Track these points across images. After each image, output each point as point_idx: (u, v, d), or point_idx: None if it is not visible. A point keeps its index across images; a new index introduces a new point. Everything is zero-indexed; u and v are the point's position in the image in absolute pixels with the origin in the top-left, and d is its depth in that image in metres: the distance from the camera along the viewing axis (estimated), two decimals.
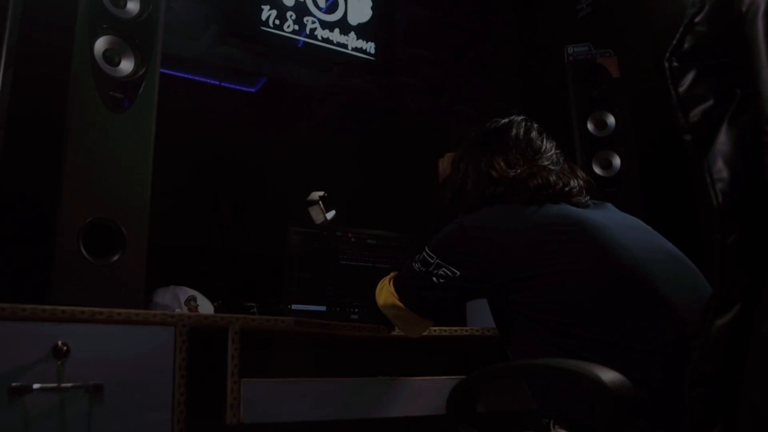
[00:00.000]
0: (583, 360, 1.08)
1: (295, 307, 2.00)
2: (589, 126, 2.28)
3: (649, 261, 1.15)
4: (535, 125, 1.40)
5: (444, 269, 1.26)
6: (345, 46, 2.79)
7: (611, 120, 2.27)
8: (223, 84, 2.97)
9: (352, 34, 2.83)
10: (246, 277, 2.62)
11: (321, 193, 3.07)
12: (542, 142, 1.38)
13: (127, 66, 1.41)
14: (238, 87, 2.94)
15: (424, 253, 1.31)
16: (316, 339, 1.54)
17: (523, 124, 1.39)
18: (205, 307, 1.70)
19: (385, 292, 1.35)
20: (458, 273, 1.24)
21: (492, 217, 1.27)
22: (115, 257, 1.29)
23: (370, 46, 2.86)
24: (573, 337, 1.12)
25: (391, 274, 1.40)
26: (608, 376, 0.87)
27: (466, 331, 1.62)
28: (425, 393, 1.42)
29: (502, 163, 1.31)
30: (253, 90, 2.98)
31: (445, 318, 1.49)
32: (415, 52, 3.06)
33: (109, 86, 1.35)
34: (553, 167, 1.32)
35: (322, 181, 2.94)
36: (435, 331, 1.58)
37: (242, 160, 2.89)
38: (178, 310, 1.54)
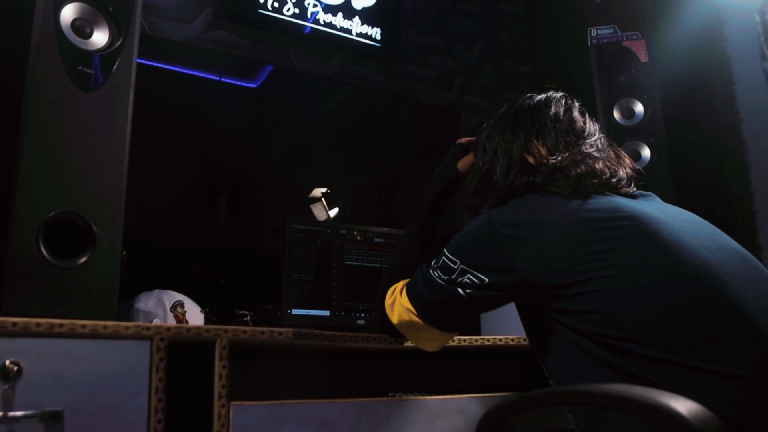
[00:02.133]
0: (643, 384, 0.90)
1: (295, 311, 1.82)
2: (615, 115, 2.09)
3: (718, 264, 0.96)
4: (577, 103, 1.21)
5: (469, 276, 1.07)
6: (349, 31, 2.61)
7: (639, 108, 2.08)
8: (223, 79, 2.85)
9: (357, 19, 2.64)
10: (243, 280, 2.45)
11: (324, 190, 2.92)
12: (585, 123, 1.19)
13: (99, 38, 1.22)
14: (238, 82, 2.83)
15: (443, 257, 1.12)
16: (318, 351, 1.35)
17: (563, 101, 1.20)
18: (195, 313, 1.51)
19: (399, 308, 1.16)
20: (486, 280, 1.05)
21: (526, 212, 1.07)
22: (83, 258, 1.10)
23: (376, 32, 2.67)
24: (629, 354, 0.93)
25: (402, 283, 1.21)
26: (689, 408, 0.67)
27: (488, 341, 1.44)
28: (445, 415, 1.23)
29: (541, 148, 1.12)
30: (253, 86, 2.86)
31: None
32: (423, 40, 2.87)
33: (78, 60, 1.17)
34: (598, 154, 1.13)
35: (325, 177, 2.79)
36: (453, 341, 1.39)
37: (241, 156, 2.75)
38: (156, 321, 1.35)
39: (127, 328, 0.99)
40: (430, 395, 1.36)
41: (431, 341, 1.19)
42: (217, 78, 2.82)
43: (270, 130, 2.81)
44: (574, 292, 0.98)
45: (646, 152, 2.05)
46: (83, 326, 0.96)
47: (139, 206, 2.43)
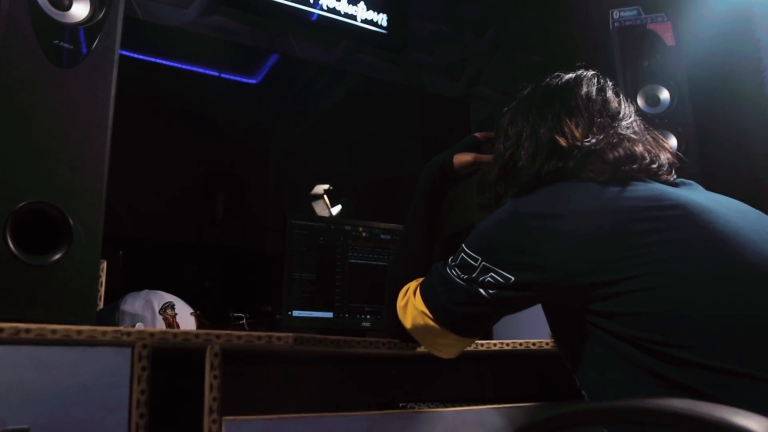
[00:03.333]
0: (696, 396, 0.78)
1: (296, 313, 1.70)
2: (639, 102, 1.97)
3: None
4: (610, 83, 1.09)
5: (492, 274, 0.94)
6: (353, 17, 2.48)
7: (665, 95, 1.96)
8: (223, 75, 2.77)
9: (362, 5, 2.51)
10: (241, 280, 2.34)
11: (326, 187, 2.81)
12: (620, 104, 1.07)
13: (80, 10, 1.09)
14: (238, 78, 2.76)
15: (462, 254, 0.99)
16: (321, 358, 1.23)
17: (596, 80, 1.08)
18: (187, 316, 1.39)
19: (413, 311, 1.04)
20: (512, 279, 0.93)
21: (557, 201, 0.95)
22: (57, 255, 0.97)
23: (382, 19, 2.54)
24: (680, 362, 0.81)
25: (416, 283, 1.08)
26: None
27: (502, 345, 1.31)
28: (464, 429, 1.10)
29: (574, 129, 1.00)
30: (254, 82, 2.79)
31: None
32: (432, 27, 2.75)
33: (55, 34, 1.04)
34: (636, 137, 1.01)
35: (328, 173, 2.69)
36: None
37: (240, 152, 2.66)
38: (139, 325, 1.22)
39: (104, 333, 0.86)
40: (445, 406, 1.23)
41: (448, 347, 1.06)
42: (217, 74, 2.74)
43: (271, 126, 2.73)
44: (614, 292, 0.87)
45: (672, 142, 1.92)
46: (54, 331, 0.84)
47: (133, 204, 2.34)
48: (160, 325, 1.31)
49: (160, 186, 2.44)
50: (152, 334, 0.89)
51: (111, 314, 1.30)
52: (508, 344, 1.35)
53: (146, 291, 1.38)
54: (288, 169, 2.71)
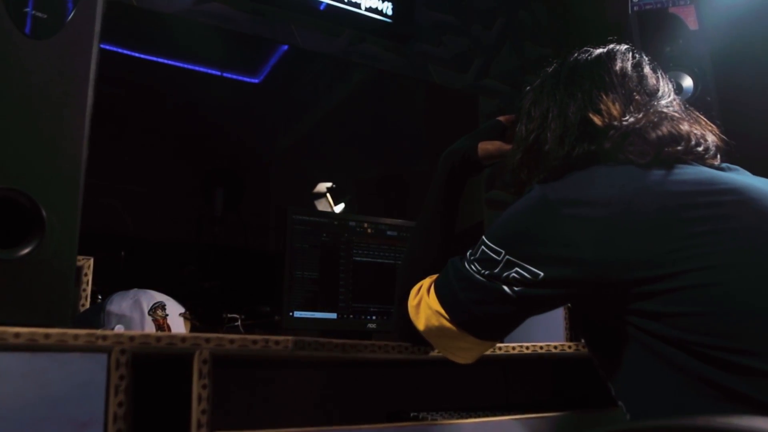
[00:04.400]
0: (762, 410, 0.67)
1: (297, 314, 1.59)
2: None
3: None
4: (646, 58, 0.98)
5: (518, 269, 0.83)
6: (357, 5, 2.37)
7: (688, 82, 1.83)
8: (224, 75, 2.70)
9: None
10: (239, 280, 2.24)
11: (329, 185, 2.71)
12: (658, 81, 0.96)
13: None
14: (240, 77, 2.70)
15: (482, 247, 0.88)
16: (324, 363, 1.12)
17: (630, 55, 0.97)
18: (178, 318, 1.28)
19: (427, 311, 0.92)
20: (541, 274, 0.82)
21: (593, 186, 0.84)
22: (28, 248, 0.86)
23: (387, 7, 2.43)
24: (744, 371, 0.70)
25: (430, 280, 0.97)
26: None
27: (513, 349, 1.20)
28: None
29: (611, 106, 0.89)
30: (256, 81, 2.72)
31: None
32: (438, 17, 2.64)
33: (27, 1, 0.93)
34: (678, 115, 0.90)
35: (331, 171, 2.60)
36: None
37: (242, 150, 2.57)
38: (119, 328, 1.11)
39: (76, 337, 0.75)
40: (459, 416, 1.12)
41: (466, 352, 0.95)
42: (219, 73, 2.67)
43: (273, 125, 2.66)
44: (661, 289, 0.76)
45: None
46: (17, 335, 0.73)
47: (129, 201, 2.25)
48: (149, 327, 1.20)
49: (158, 184, 2.35)
50: (132, 338, 0.78)
51: (95, 315, 1.19)
52: (527, 347, 1.24)
53: (135, 290, 1.27)
54: (290, 167, 2.63)
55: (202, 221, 2.46)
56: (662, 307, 0.76)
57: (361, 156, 2.76)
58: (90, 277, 1.33)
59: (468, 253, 0.92)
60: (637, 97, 0.92)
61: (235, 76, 2.73)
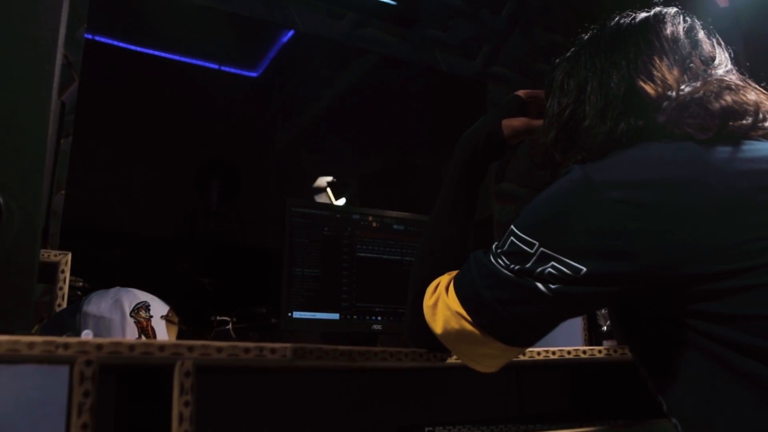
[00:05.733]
0: None
1: (297, 314, 1.47)
2: None
3: None
4: (699, 21, 0.86)
5: (555, 264, 0.71)
6: None
7: None
8: (222, 68, 2.61)
9: None
10: (234, 278, 2.12)
11: (329, 179, 2.59)
12: (714, 47, 0.83)
13: None
14: (238, 71, 2.61)
15: (511, 237, 0.76)
16: (327, 369, 0.99)
17: (681, 18, 0.85)
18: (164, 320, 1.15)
19: (445, 312, 0.80)
20: (583, 269, 0.69)
21: (647, 166, 0.72)
22: None
23: None
24: None
25: (448, 277, 0.85)
26: None
27: (539, 354, 1.07)
28: None
29: (666, 73, 0.76)
30: (255, 75, 2.64)
31: None
32: (445, 1, 2.51)
33: None
34: (742, 84, 0.77)
35: (332, 164, 2.49)
36: None
37: (240, 143, 2.46)
38: (86, 333, 0.98)
39: (31, 345, 0.62)
40: (477, 427, 1.00)
41: (490, 359, 0.83)
42: (217, 67, 2.59)
43: (272, 118, 2.56)
44: (730, 287, 0.63)
45: None
46: None
47: (123, 196, 2.14)
48: (131, 331, 1.07)
49: (151, 178, 2.24)
50: (99, 347, 0.65)
51: (71, 317, 1.06)
52: (539, 353, 1.11)
53: (116, 289, 1.14)
54: (290, 162, 2.52)
55: (196, 215, 2.34)
56: (733, 309, 0.63)
57: (363, 149, 2.65)
58: (67, 274, 1.20)
59: (494, 246, 0.79)
60: (692, 65, 0.79)
61: (233, 70, 2.65)
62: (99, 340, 0.66)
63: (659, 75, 0.76)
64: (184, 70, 2.34)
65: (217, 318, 0.93)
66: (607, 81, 0.81)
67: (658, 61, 0.77)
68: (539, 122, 0.96)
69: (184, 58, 2.34)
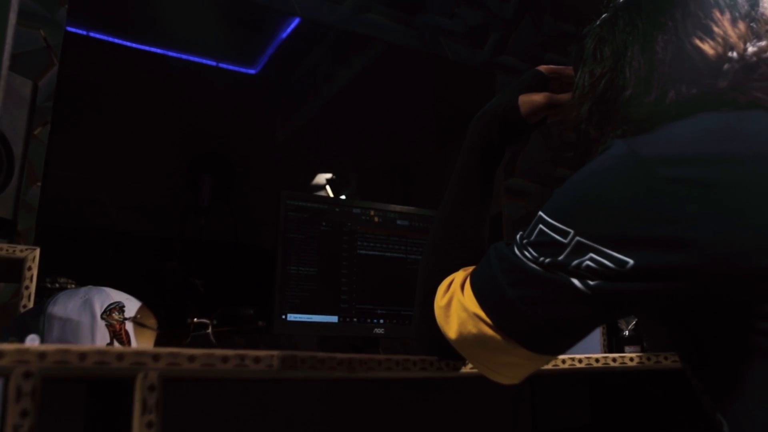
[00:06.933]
0: None
1: (291, 317, 1.35)
2: None
3: None
4: None
5: (594, 256, 0.59)
6: None
7: None
8: (220, 65, 2.53)
9: None
10: (227, 279, 2.00)
11: (329, 176, 2.49)
12: None
13: None
14: (236, 68, 2.55)
15: (540, 225, 0.64)
16: (320, 380, 0.87)
17: None
18: (150, 324, 1.03)
19: (461, 314, 0.68)
20: (630, 262, 0.57)
21: (707, 138, 0.60)
22: None
23: None
24: None
25: (463, 274, 0.73)
26: None
27: (568, 363, 0.95)
28: None
29: (729, 30, 0.64)
30: (253, 72, 2.57)
31: None
32: None
33: None
34: None
35: (332, 161, 2.40)
36: None
37: (238, 140, 2.37)
38: (31, 339, 0.86)
39: None
40: None
41: (512, 369, 0.70)
42: (215, 63, 2.52)
43: (271, 116, 2.48)
44: None
45: None
46: None
47: (107, 193, 2.04)
48: (102, 335, 0.95)
49: (142, 174, 2.15)
50: (43, 355, 0.53)
51: (33, 320, 0.94)
52: (563, 361, 0.98)
53: (87, 288, 1.02)
54: (289, 158, 2.43)
55: (187, 212, 2.22)
56: None
57: (365, 144, 2.55)
58: (35, 272, 1.08)
59: (518, 236, 0.67)
60: (752, 24, 0.67)
61: (231, 67, 2.59)
62: (43, 346, 0.54)
63: (720, 32, 0.64)
64: (181, 67, 2.27)
65: (195, 321, 0.81)
66: (651, 44, 0.69)
67: (718, 15, 0.65)
68: (565, 96, 0.84)
69: (180, 55, 2.28)
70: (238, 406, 0.82)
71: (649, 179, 0.57)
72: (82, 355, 0.54)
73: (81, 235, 1.87)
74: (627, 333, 1.38)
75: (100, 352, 0.54)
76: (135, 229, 2.11)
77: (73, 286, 1.39)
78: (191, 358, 0.58)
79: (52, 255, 1.51)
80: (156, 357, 0.56)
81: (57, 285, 1.37)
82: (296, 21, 2.27)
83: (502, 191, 2.21)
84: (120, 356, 0.55)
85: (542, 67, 0.92)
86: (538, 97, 0.85)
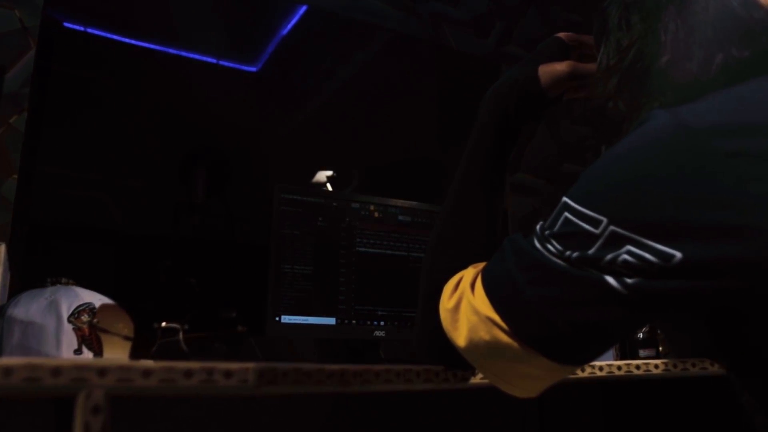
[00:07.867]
0: None
1: (286, 319, 1.26)
2: None
3: None
4: None
5: (633, 248, 0.49)
6: None
7: None
8: (221, 63, 2.47)
9: None
10: (220, 280, 1.91)
11: (329, 173, 2.42)
12: None
13: None
14: (237, 66, 2.50)
15: (566, 214, 0.54)
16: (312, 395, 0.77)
17: None
18: (117, 328, 0.93)
19: (471, 317, 0.58)
20: (677, 255, 0.46)
21: (765, 107, 0.49)
22: None
23: None
24: None
25: (473, 271, 0.63)
26: None
27: (588, 371, 0.84)
28: None
29: None
30: (254, 69, 2.52)
31: None
32: None
33: None
34: None
35: (333, 157, 2.33)
36: None
37: (237, 137, 2.31)
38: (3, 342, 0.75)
39: None
40: None
41: (530, 381, 0.60)
42: (215, 61, 2.46)
43: (272, 113, 2.42)
44: None
45: None
46: None
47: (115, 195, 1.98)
48: (69, 340, 0.85)
49: (135, 172, 2.08)
50: None
51: None
52: (582, 369, 0.88)
53: (55, 287, 0.92)
54: (289, 156, 2.36)
55: (180, 209, 2.13)
56: None
57: (366, 141, 2.47)
58: (1, 269, 0.98)
59: (538, 227, 0.57)
60: None
61: (231, 65, 2.53)
62: None
63: None
64: (180, 64, 2.21)
65: (162, 326, 0.70)
66: (689, 5, 0.59)
67: None
68: (591, 66, 0.73)
69: (180, 52, 2.22)
70: (219, 426, 0.72)
71: (702, 154, 0.47)
72: (7, 371, 0.44)
73: (75, 234, 1.80)
74: (641, 335, 1.27)
75: (30, 367, 0.44)
76: (133, 228, 2.04)
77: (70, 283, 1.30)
78: (146, 373, 0.48)
79: (52, 255, 1.43)
80: (102, 372, 0.46)
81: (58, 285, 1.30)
82: (297, 17, 2.20)
83: (507, 187, 2.11)
84: (56, 371, 0.45)
85: (562, 34, 0.83)
86: (560, 66, 0.75)
